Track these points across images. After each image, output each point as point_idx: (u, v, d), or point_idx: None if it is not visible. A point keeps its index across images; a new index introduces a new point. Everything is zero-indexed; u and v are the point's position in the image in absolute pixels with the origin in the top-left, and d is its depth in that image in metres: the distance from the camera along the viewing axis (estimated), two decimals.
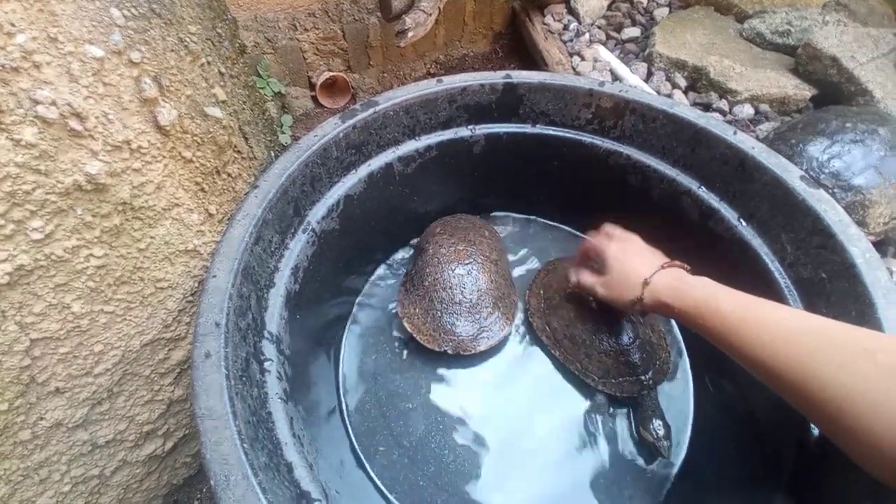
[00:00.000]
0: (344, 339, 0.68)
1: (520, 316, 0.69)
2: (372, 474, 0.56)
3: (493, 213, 0.82)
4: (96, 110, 0.36)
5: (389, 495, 0.55)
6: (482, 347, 0.61)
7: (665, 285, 0.47)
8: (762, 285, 0.54)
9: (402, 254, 0.78)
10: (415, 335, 0.63)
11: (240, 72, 0.52)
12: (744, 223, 0.58)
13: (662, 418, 0.56)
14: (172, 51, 0.42)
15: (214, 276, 0.44)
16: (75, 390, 0.48)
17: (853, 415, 0.31)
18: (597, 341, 0.60)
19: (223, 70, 0.47)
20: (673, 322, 0.69)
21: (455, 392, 0.62)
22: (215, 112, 0.43)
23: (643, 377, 0.58)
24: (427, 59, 1.30)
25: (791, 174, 0.53)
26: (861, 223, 0.75)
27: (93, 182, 0.37)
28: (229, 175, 0.49)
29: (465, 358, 0.64)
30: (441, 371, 0.64)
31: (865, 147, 0.75)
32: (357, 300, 0.73)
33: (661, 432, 0.54)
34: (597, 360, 0.60)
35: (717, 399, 0.60)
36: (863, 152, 0.75)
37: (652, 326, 0.64)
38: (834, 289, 0.48)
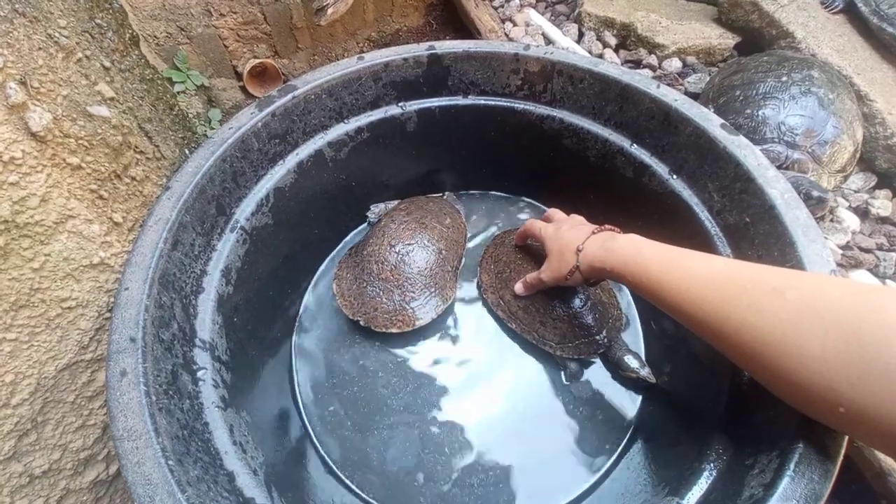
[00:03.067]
0: (295, 333, 0.66)
1: (473, 293, 0.69)
2: (336, 469, 0.55)
3: (443, 194, 0.81)
4: None
5: (353, 486, 0.54)
6: (393, 329, 0.61)
7: (596, 248, 0.48)
8: (694, 235, 0.55)
9: (354, 240, 0.76)
10: (336, 296, 0.64)
11: (133, 64, 0.48)
12: (674, 177, 0.59)
13: (632, 352, 0.59)
14: (40, 49, 0.38)
15: (126, 289, 0.41)
16: None
17: (767, 354, 0.32)
18: (550, 308, 0.61)
19: (108, 64, 0.42)
20: None
21: (414, 370, 0.62)
22: (101, 111, 0.40)
23: (598, 337, 0.59)
24: (359, 37, 1.25)
25: (712, 123, 0.54)
26: (841, 170, 0.77)
27: None
28: (133, 179, 0.45)
29: (421, 335, 0.64)
30: (398, 349, 0.64)
31: (816, 96, 0.77)
32: (306, 292, 0.71)
33: (637, 364, 0.58)
34: (552, 326, 0.61)
35: (665, 345, 0.62)
36: (818, 101, 0.76)
37: (602, 286, 0.65)
38: (758, 231, 0.49)
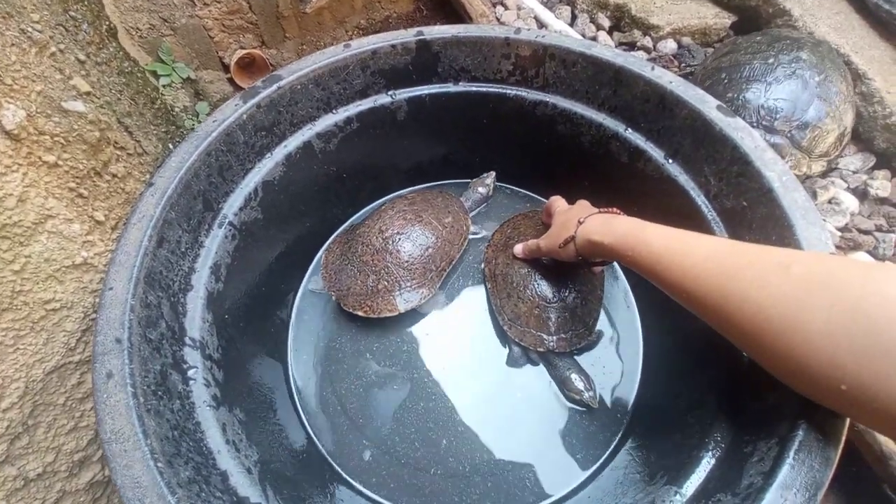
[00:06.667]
0: (289, 328, 0.66)
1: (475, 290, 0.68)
2: (333, 463, 0.55)
3: (435, 183, 0.80)
4: None
5: (351, 479, 0.54)
6: (359, 312, 0.61)
7: (598, 224, 0.48)
8: (691, 220, 0.54)
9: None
10: (321, 267, 0.67)
11: (110, 57, 0.46)
12: (670, 161, 0.58)
13: (580, 372, 0.58)
14: (13, 45, 0.36)
15: (111, 289, 0.40)
16: None
17: (770, 331, 0.31)
18: (524, 287, 0.60)
19: (83, 57, 0.41)
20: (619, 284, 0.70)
21: (411, 364, 0.62)
22: (77, 106, 0.38)
23: (546, 337, 0.58)
24: (348, 25, 1.22)
25: (708, 105, 0.52)
26: (824, 154, 0.76)
27: None
28: (114, 175, 0.44)
29: (420, 328, 0.64)
30: (395, 343, 0.63)
31: (801, 79, 0.75)
32: (300, 286, 0.70)
33: (582, 385, 0.56)
34: (513, 303, 0.60)
35: (662, 332, 0.61)
36: (801, 84, 0.74)
37: (587, 298, 0.62)
38: (755, 215, 0.48)
